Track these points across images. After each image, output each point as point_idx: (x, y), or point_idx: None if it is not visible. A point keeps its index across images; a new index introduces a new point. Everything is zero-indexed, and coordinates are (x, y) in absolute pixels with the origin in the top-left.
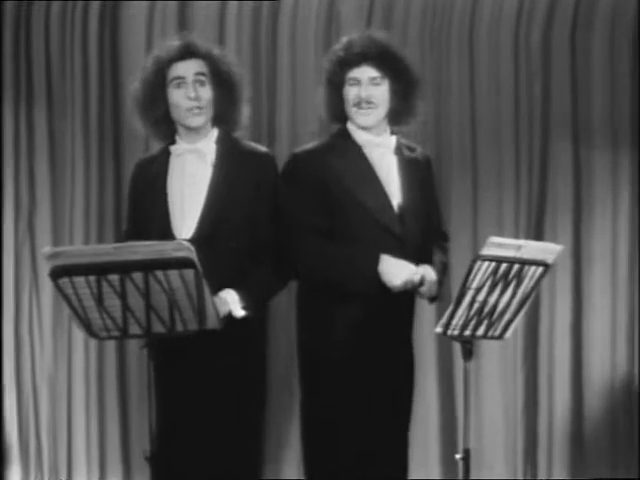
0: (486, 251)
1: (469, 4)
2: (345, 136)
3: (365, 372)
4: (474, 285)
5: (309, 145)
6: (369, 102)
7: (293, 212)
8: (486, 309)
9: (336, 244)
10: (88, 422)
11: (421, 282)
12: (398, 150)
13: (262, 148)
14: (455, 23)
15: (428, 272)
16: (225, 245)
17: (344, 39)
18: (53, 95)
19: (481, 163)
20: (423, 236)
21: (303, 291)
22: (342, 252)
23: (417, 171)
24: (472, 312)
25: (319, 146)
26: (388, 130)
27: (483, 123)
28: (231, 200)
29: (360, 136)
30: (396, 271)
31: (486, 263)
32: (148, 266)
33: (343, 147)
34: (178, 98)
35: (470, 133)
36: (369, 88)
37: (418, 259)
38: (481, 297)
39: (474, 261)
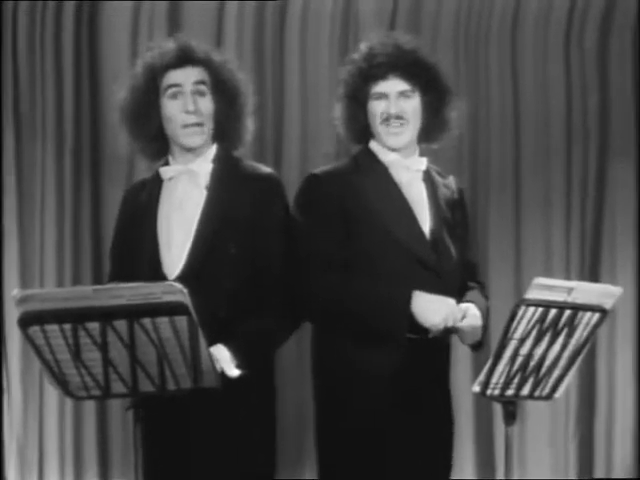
0: (531, 294)
1: (511, 2)
2: (369, 157)
3: (394, 435)
4: (517, 335)
5: (328, 166)
6: (400, 118)
7: (308, 242)
8: (532, 364)
9: (360, 279)
10: None
11: (463, 317)
12: (428, 174)
13: (266, 169)
14: (495, 24)
15: (471, 310)
16: (218, 285)
17: (364, 46)
18: (20, 108)
19: (525, 189)
20: (460, 270)
21: (319, 336)
22: (367, 288)
23: (449, 199)
24: (515, 368)
25: (340, 167)
26: (417, 151)
27: (528, 141)
28: (227, 230)
29: (387, 156)
30: (434, 307)
31: (531, 309)
32: (133, 313)
33: (368, 169)
34: (174, 111)
35: (512, 153)
36: (399, 103)
37: (457, 297)
38: (526, 349)
39: (517, 306)
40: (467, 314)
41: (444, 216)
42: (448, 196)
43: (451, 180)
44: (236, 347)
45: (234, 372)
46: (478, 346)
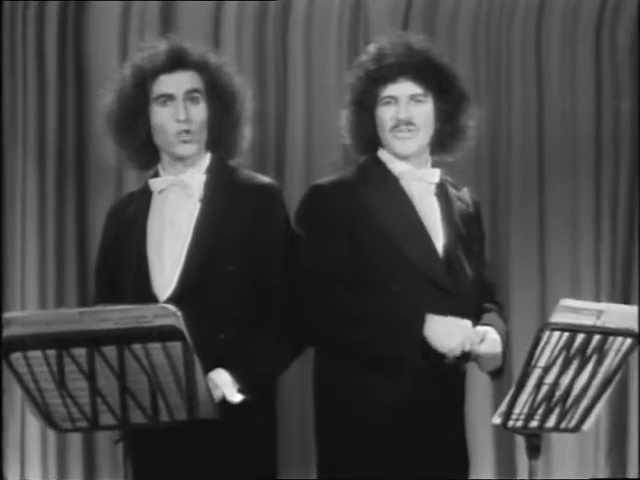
0: (557, 318)
1: None
2: (378, 166)
3: (403, 473)
4: (542, 363)
5: (333, 177)
6: (409, 124)
7: (311, 258)
8: (558, 393)
9: (367, 299)
10: None
11: (482, 342)
12: (441, 186)
13: (265, 179)
14: (518, 22)
15: (490, 335)
16: (216, 305)
17: (372, 47)
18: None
19: (550, 204)
20: (476, 291)
21: (322, 361)
22: (376, 309)
23: (464, 213)
24: (539, 398)
25: (346, 177)
26: (430, 161)
27: (553, 150)
28: (223, 245)
29: (397, 167)
30: (449, 330)
31: (557, 334)
32: (123, 337)
33: (376, 179)
34: (164, 119)
35: (536, 163)
36: (409, 107)
37: (473, 319)
38: (551, 378)
39: (541, 331)
40: (485, 338)
41: (459, 232)
42: (463, 210)
43: (466, 192)
44: (238, 370)
45: (236, 397)
46: (498, 373)
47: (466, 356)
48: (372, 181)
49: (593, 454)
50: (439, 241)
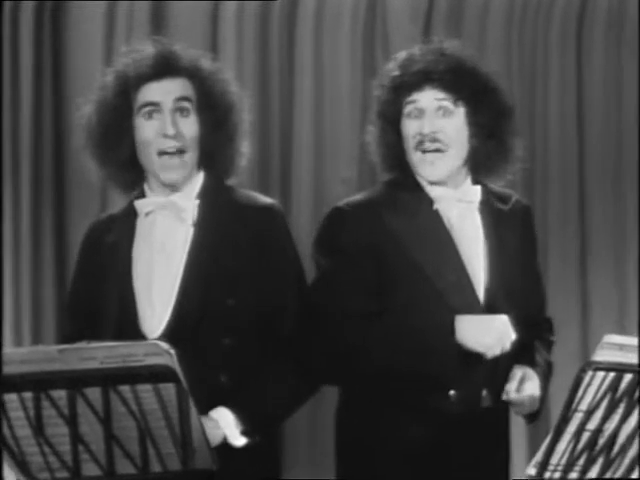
0: (600, 356)
1: None
2: (409, 185)
3: None
4: (583, 406)
5: (357, 197)
6: (435, 140)
7: (331, 291)
8: (601, 441)
9: (390, 318)
10: None
11: (520, 384)
12: (485, 205)
13: (265, 199)
14: (556, 26)
15: (530, 376)
16: (214, 343)
17: (402, 54)
18: None
19: (592, 223)
20: (519, 328)
21: (346, 402)
22: (400, 324)
23: (512, 232)
24: (580, 446)
25: (371, 198)
26: (469, 178)
27: (594, 166)
28: (221, 275)
29: (432, 187)
30: (484, 326)
31: (601, 374)
32: (109, 378)
33: (407, 201)
34: (149, 134)
35: (576, 176)
36: (435, 120)
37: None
38: (594, 424)
39: (583, 371)
40: (524, 382)
41: (505, 260)
42: (510, 229)
43: (514, 201)
44: (242, 410)
45: (240, 440)
46: (534, 417)
47: (500, 397)
48: (402, 203)
49: None
50: (479, 273)
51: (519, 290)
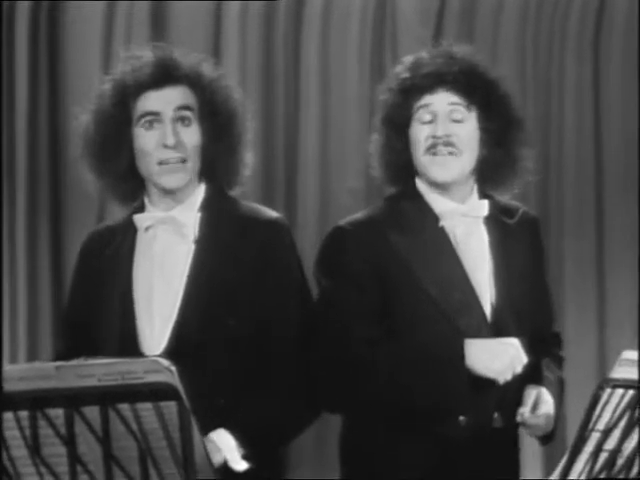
0: (618, 373)
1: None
2: (414, 200)
3: None
4: (601, 425)
5: (359, 215)
6: (449, 144)
7: (334, 314)
8: (620, 461)
9: (397, 345)
10: None
11: (535, 405)
12: (492, 219)
13: (270, 213)
14: (572, 29)
15: (544, 396)
16: (215, 363)
17: (409, 58)
18: None
19: (609, 232)
20: (529, 348)
21: (350, 426)
22: (408, 349)
23: (519, 247)
24: (598, 466)
25: (374, 216)
26: (475, 191)
27: (613, 176)
28: (223, 293)
29: (437, 202)
30: (494, 350)
31: (619, 391)
32: (108, 396)
33: (411, 218)
34: (149, 144)
35: (593, 189)
36: (449, 124)
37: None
38: (612, 443)
39: (601, 388)
40: (539, 404)
41: (512, 277)
42: (518, 243)
43: (521, 214)
44: (244, 433)
45: (241, 465)
46: (549, 438)
47: (512, 418)
48: (406, 220)
49: None
50: (486, 292)
51: (527, 307)
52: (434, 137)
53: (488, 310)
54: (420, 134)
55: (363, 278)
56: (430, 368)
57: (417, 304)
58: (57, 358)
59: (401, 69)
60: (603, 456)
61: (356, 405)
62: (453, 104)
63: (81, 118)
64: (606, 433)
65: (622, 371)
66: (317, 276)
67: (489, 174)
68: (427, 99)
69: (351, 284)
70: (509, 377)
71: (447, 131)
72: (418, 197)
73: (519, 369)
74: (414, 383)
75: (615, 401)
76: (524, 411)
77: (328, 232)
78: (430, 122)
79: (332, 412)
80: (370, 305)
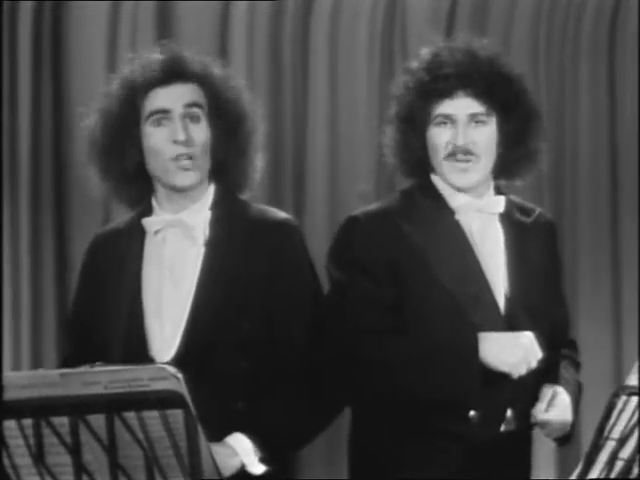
0: (634, 380)
1: None
2: (429, 193)
3: None
4: (617, 434)
5: (374, 206)
6: (468, 153)
7: (346, 307)
8: (636, 471)
9: (409, 338)
10: None
11: (550, 404)
12: (507, 216)
13: (281, 214)
14: (587, 25)
15: (561, 397)
16: (227, 365)
17: (426, 52)
18: None
19: (625, 235)
20: (544, 345)
21: (360, 426)
22: (421, 343)
23: (534, 245)
24: (613, 475)
25: (389, 207)
26: (492, 186)
27: (629, 175)
28: (234, 296)
29: (453, 197)
30: (508, 344)
31: (635, 399)
32: (113, 404)
33: (426, 210)
34: (159, 141)
35: (608, 190)
36: (469, 131)
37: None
38: (628, 452)
39: (616, 396)
40: (555, 402)
41: (527, 274)
42: (534, 242)
43: (537, 215)
44: (261, 436)
45: (258, 468)
46: (566, 440)
47: (525, 418)
48: (421, 213)
49: None
50: (501, 288)
51: (541, 304)
52: (454, 145)
53: (502, 304)
54: (439, 138)
55: (376, 269)
56: (443, 361)
57: (431, 297)
58: (62, 362)
59: (419, 65)
60: (618, 465)
61: (367, 398)
62: (474, 109)
63: (87, 119)
64: (621, 442)
65: (638, 378)
66: (329, 266)
67: (507, 167)
68: (447, 105)
69: (363, 275)
70: (523, 371)
71: (467, 139)
72: (433, 190)
73: (534, 363)
74: (426, 376)
75: (631, 409)
76: (539, 409)
77: (342, 222)
78: (449, 127)
79: (343, 404)
80: (382, 296)
